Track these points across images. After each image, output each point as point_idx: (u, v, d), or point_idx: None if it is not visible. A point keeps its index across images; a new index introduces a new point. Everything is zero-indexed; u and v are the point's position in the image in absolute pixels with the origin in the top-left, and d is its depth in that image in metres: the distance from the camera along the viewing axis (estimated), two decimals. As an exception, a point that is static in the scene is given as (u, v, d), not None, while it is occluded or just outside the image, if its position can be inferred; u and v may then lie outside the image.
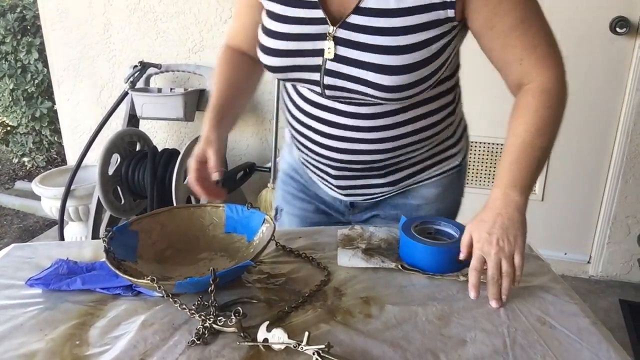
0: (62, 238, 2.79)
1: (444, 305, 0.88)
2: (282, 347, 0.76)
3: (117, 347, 0.78)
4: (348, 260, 1.01)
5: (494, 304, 0.86)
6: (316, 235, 1.12)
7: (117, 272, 0.87)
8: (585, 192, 2.59)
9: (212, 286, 0.84)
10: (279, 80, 1.20)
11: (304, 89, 1.06)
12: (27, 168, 4.28)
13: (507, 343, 0.78)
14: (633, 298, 2.52)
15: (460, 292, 0.92)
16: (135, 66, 2.71)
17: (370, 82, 0.94)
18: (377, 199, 1.18)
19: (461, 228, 1.01)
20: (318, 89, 1.01)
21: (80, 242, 1.33)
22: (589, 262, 2.71)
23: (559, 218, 2.65)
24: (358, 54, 0.94)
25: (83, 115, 3.20)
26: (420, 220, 1.05)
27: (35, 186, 2.88)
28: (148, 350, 0.77)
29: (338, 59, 0.96)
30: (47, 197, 2.90)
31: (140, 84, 2.76)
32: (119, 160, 2.65)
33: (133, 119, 2.79)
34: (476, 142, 2.66)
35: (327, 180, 1.16)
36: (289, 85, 1.12)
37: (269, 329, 0.78)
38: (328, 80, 0.98)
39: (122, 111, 2.78)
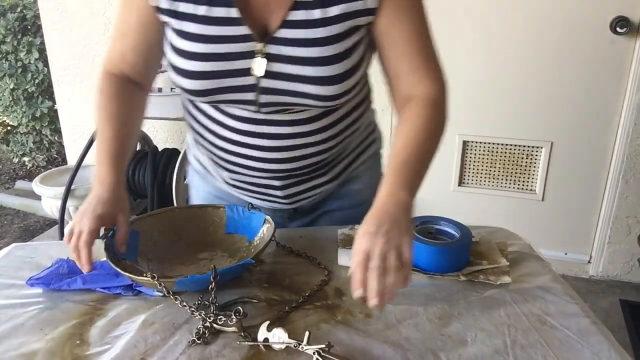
0: (62, 238, 2.78)
1: (445, 305, 0.88)
2: (283, 346, 0.77)
3: (117, 346, 0.78)
4: (349, 259, 1.00)
5: (373, 301, 0.74)
6: (317, 235, 1.12)
7: (117, 269, 0.87)
8: (585, 191, 2.59)
9: (213, 284, 0.84)
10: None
11: (231, 108, 1.00)
12: (28, 168, 4.28)
13: (508, 343, 0.78)
14: (633, 298, 2.52)
15: (461, 292, 0.92)
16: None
17: (311, 95, 0.93)
18: (321, 196, 1.17)
19: (462, 228, 1.01)
20: (254, 108, 0.97)
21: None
22: (589, 262, 2.70)
23: (559, 218, 2.65)
24: (292, 68, 0.91)
25: (83, 115, 3.20)
26: (420, 220, 1.05)
27: (35, 186, 2.88)
28: (148, 350, 0.77)
29: (272, 75, 0.92)
30: (47, 197, 2.90)
31: (140, 84, 2.76)
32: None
33: (133, 118, 2.78)
34: (476, 142, 2.66)
35: (270, 195, 1.12)
36: (204, 106, 1.03)
37: (269, 329, 0.78)
38: (265, 99, 0.95)
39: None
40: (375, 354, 0.76)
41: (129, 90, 1.05)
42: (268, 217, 1.03)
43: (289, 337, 0.77)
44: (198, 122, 1.07)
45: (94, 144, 2.63)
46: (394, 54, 0.97)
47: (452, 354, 0.76)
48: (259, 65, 0.92)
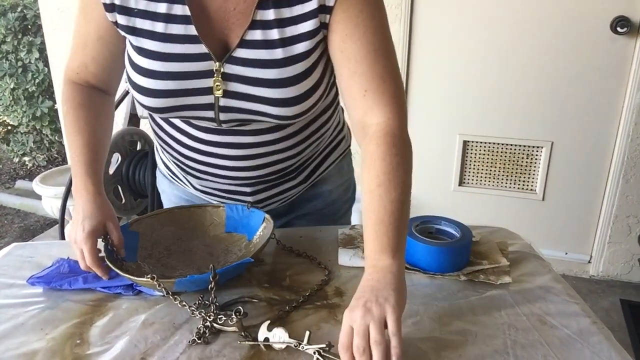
0: (63, 237, 2.78)
1: (445, 304, 0.88)
2: (283, 346, 0.77)
3: (117, 346, 0.78)
4: (349, 259, 1.01)
5: None
6: (317, 235, 1.12)
7: (117, 271, 0.87)
8: (586, 191, 2.59)
9: (212, 284, 0.84)
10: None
11: (196, 120, 0.98)
12: (28, 167, 4.28)
13: (508, 343, 0.78)
14: (634, 298, 2.52)
15: (461, 292, 0.92)
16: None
17: (270, 114, 0.91)
18: (292, 199, 1.16)
19: (462, 227, 1.01)
20: (214, 125, 0.96)
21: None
22: (589, 262, 2.70)
23: (559, 218, 2.65)
24: (248, 89, 0.89)
25: (84, 114, 3.20)
26: (420, 219, 1.05)
27: (36, 185, 2.88)
28: (149, 350, 0.77)
29: (230, 95, 0.90)
30: (47, 197, 2.90)
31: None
32: (119, 159, 2.65)
33: (134, 118, 2.78)
34: (477, 142, 2.66)
35: (240, 200, 1.11)
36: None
37: (269, 328, 0.78)
38: (224, 116, 0.93)
39: (123, 110, 2.78)
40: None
41: (93, 98, 1.02)
42: (267, 216, 1.03)
43: (290, 336, 0.77)
44: (163, 129, 1.05)
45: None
46: (347, 72, 0.90)
47: (453, 353, 0.76)
48: (217, 85, 0.89)
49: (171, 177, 1.18)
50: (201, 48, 0.88)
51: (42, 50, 3.52)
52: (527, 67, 2.47)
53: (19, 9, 3.74)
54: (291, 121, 0.95)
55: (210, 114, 0.93)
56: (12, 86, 3.67)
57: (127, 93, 2.71)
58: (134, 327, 0.83)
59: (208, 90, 0.90)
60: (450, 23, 2.49)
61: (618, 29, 2.29)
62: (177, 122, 1.01)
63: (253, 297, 0.91)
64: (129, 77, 0.94)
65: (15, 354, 0.77)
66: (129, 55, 0.93)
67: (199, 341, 0.78)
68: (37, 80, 3.70)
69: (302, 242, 1.09)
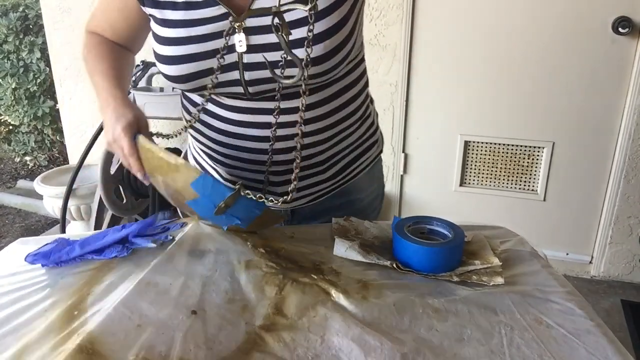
0: (63, 237, 2.79)
1: (441, 299, 0.88)
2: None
3: (113, 312, 0.78)
4: (344, 251, 0.99)
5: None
6: (310, 231, 1.11)
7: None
8: (587, 192, 2.59)
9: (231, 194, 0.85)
10: (184, 92, 1.10)
11: (223, 98, 1.00)
12: (29, 167, 4.29)
13: (504, 342, 0.78)
14: (635, 298, 2.52)
15: (456, 290, 0.91)
16: (137, 65, 2.71)
17: (291, 61, 0.91)
18: (319, 199, 1.16)
19: (454, 228, 1.00)
20: (240, 89, 0.96)
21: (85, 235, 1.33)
22: (590, 263, 2.70)
23: (560, 218, 2.65)
24: (271, 37, 0.90)
25: (85, 114, 3.21)
26: (413, 220, 1.04)
27: (37, 185, 2.89)
28: (143, 317, 0.77)
29: (254, 49, 0.92)
30: (49, 196, 2.90)
31: (142, 83, 2.76)
32: (120, 159, 2.65)
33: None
34: (478, 142, 2.66)
35: (267, 191, 1.11)
36: (198, 99, 1.06)
37: None
38: (249, 75, 0.94)
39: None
40: (372, 344, 0.76)
41: (112, 44, 1.09)
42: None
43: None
44: (192, 118, 1.07)
45: (96, 136, 2.61)
46: None
47: (448, 352, 0.76)
48: (239, 42, 0.92)
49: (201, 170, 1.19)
50: (219, 9, 0.91)
51: (44, 50, 3.52)
52: (529, 67, 2.46)
53: (21, 9, 3.75)
54: (314, 69, 0.92)
55: (235, 74, 0.94)
56: (13, 86, 3.68)
57: (128, 93, 2.72)
58: (129, 286, 0.83)
59: (231, 48, 0.93)
60: (451, 23, 2.49)
61: (619, 29, 2.29)
62: (209, 105, 1.03)
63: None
64: (155, 53, 0.99)
65: (16, 336, 0.77)
66: (154, 32, 0.98)
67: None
68: (38, 80, 3.70)
69: (295, 237, 1.08)
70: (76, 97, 3.18)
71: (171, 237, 0.96)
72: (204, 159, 1.17)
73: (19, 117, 3.86)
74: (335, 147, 1.08)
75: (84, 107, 3.19)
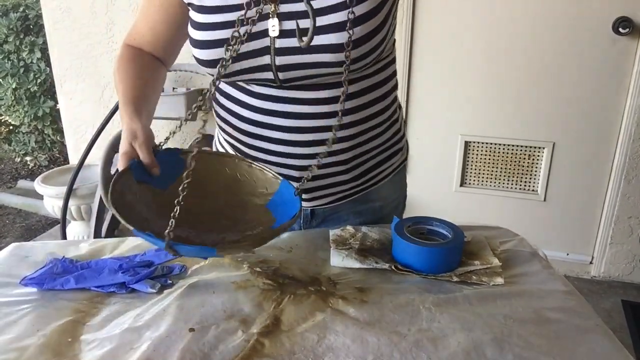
0: (64, 237, 2.79)
1: (441, 295, 0.88)
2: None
3: (109, 343, 0.78)
4: (341, 260, 0.99)
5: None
6: (307, 236, 1.11)
7: (113, 210, 0.80)
8: (587, 192, 2.58)
9: (168, 238, 0.79)
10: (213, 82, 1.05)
11: (253, 85, 1.01)
12: (30, 167, 4.29)
13: (504, 340, 0.78)
14: (635, 299, 2.51)
15: (457, 290, 0.91)
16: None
17: (325, 46, 0.92)
18: (340, 202, 1.15)
19: (454, 228, 1.00)
20: (271, 76, 0.97)
21: (78, 241, 1.33)
22: (591, 263, 2.69)
23: (561, 218, 2.65)
24: (307, 22, 0.91)
25: (85, 114, 3.21)
26: (412, 220, 1.04)
27: (37, 185, 2.89)
28: (142, 345, 0.77)
29: (286, 34, 0.93)
30: (49, 196, 2.91)
31: (142, 83, 2.76)
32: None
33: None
34: (478, 143, 2.65)
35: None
36: (228, 89, 1.06)
37: None
38: (280, 61, 0.94)
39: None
40: (370, 341, 0.76)
41: (145, 58, 1.10)
42: (297, 213, 0.95)
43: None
44: (222, 106, 1.09)
45: (96, 136, 2.60)
46: None
47: (447, 349, 0.75)
48: (272, 26, 0.93)
49: None
50: None
51: (44, 50, 3.52)
52: (529, 67, 2.46)
53: (21, 9, 3.75)
54: (351, 62, 0.93)
55: (266, 59, 0.95)
56: (14, 86, 3.68)
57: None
58: (126, 322, 0.82)
59: (264, 33, 0.94)
60: (452, 23, 2.49)
61: (620, 29, 2.29)
62: (236, 93, 1.04)
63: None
64: (190, 39, 1.01)
65: (6, 349, 0.76)
66: (191, 19, 1.01)
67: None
68: (39, 80, 3.70)
69: (293, 243, 1.08)
70: (76, 98, 3.18)
71: (170, 282, 0.95)
72: (229, 151, 1.16)
73: (19, 117, 3.86)
74: (360, 147, 1.07)
75: (84, 108, 3.19)
